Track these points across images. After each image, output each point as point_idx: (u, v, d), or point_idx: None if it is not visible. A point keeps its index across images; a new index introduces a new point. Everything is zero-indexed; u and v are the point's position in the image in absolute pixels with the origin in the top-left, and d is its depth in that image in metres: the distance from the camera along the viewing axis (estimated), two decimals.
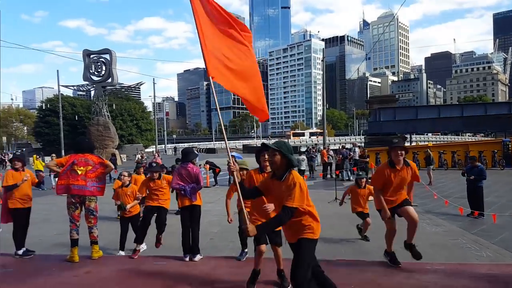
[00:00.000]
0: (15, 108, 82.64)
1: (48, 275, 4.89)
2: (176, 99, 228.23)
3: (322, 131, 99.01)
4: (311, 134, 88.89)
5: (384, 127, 34.68)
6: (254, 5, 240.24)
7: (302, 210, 3.04)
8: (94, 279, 4.72)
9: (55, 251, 6.25)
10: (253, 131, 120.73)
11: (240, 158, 20.93)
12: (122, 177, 6.16)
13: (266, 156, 3.82)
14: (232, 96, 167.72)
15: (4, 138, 71.58)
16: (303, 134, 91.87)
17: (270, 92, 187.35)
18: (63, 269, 5.10)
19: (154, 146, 51.65)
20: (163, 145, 54.87)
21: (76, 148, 5.54)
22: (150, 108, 64.46)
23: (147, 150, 49.96)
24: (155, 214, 5.84)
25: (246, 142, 79.49)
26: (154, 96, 51.70)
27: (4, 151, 57.38)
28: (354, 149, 17.86)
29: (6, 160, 35.53)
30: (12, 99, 78.90)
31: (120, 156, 37.43)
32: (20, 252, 5.70)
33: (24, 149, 52.67)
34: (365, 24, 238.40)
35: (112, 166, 5.62)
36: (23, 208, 5.76)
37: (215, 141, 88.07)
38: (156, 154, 24.04)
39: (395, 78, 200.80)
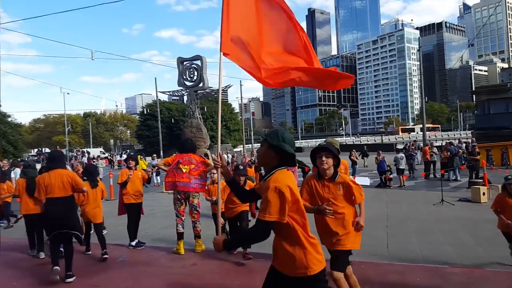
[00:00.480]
0: (120, 114, 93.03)
1: (159, 265, 5.29)
2: (261, 99, 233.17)
3: (435, 126, 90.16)
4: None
5: (494, 121, 30.70)
6: None
7: (287, 228, 2.18)
8: (200, 271, 4.96)
9: (161, 243, 6.73)
10: (341, 128, 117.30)
11: None
12: (212, 174, 6.37)
13: (324, 158, 3.24)
14: (320, 93, 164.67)
15: (111, 141, 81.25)
16: (413, 130, 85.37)
17: (360, 86, 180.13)
18: (172, 260, 5.47)
19: (242, 146, 53.41)
20: (249, 145, 56.45)
21: (181, 149, 5.92)
22: (237, 109, 66.94)
23: (235, 149, 51.92)
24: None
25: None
26: (241, 97, 53.59)
27: (112, 152, 64.85)
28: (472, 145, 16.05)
29: (114, 161, 40.13)
30: (116, 105, 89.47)
31: (212, 156, 39.46)
32: (133, 243, 6.27)
33: (128, 150, 58.75)
34: (466, 7, 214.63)
35: (213, 165, 5.84)
36: (135, 203, 6.32)
37: (301, 139, 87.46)
38: (252, 153, 23.75)
39: (505, 65, 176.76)
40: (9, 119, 37.76)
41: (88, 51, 19.96)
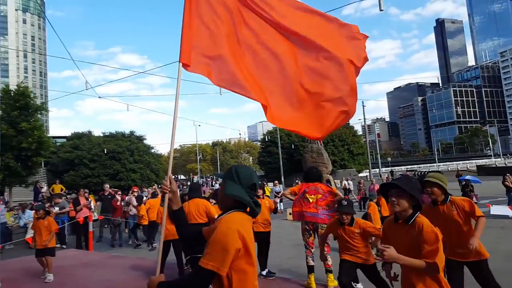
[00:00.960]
0: (243, 142, 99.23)
1: None
2: (387, 119, 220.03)
3: None
4: None
5: None
6: (473, 4, 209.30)
7: (223, 281, 1.82)
8: None
9: (290, 274, 6.58)
10: (488, 148, 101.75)
11: (478, 182, 17.57)
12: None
13: (393, 198, 2.63)
14: (458, 110, 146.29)
15: None
16: None
17: (508, 99, 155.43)
18: None
19: (367, 171, 50.70)
20: (377, 169, 53.15)
21: (306, 178, 5.80)
22: (360, 131, 64.42)
23: (360, 175, 49.46)
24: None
25: (480, 161, 66.84)
26: (364, 118, 51.51)
27: None
28: None
29: None
30: (240, 134, 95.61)
31: (334, 182, 38.46)
32: (264, 272, 6.25)
33: None
34: None
35: (341, 195, 5.55)
36: (264, 231, 6.37)
37: (438, 162, 78.42)
38: (387, 179, 21.79)
39: None
40: (152, 151, 44.27)
41: (216, 87, 22.03)
